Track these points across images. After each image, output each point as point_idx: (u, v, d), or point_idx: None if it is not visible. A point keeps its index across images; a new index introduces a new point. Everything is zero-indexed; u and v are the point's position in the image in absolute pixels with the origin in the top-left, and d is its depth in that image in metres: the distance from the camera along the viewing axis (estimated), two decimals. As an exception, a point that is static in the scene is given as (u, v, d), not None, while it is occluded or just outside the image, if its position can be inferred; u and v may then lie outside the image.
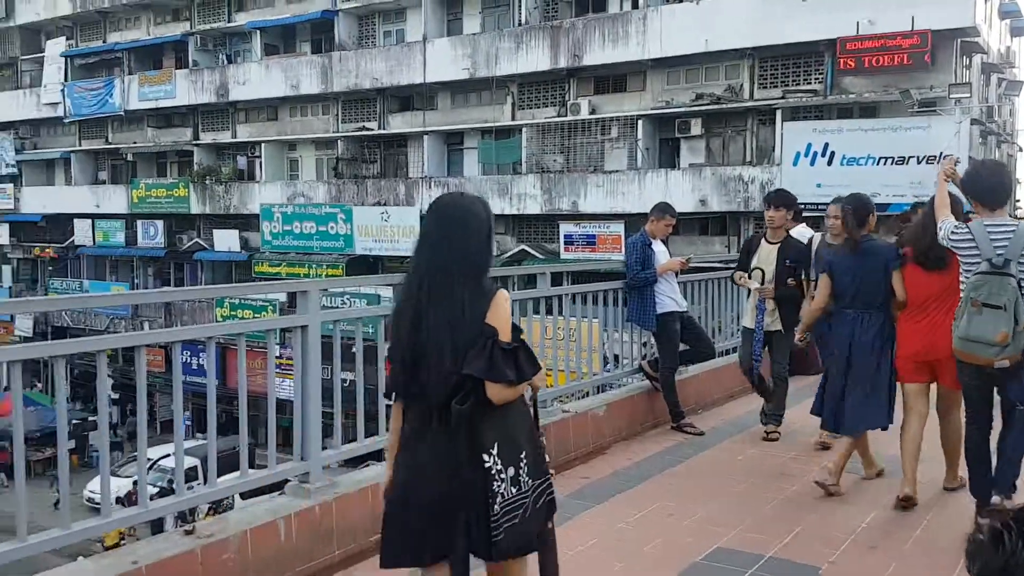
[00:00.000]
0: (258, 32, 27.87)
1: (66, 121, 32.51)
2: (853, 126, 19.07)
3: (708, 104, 20.88)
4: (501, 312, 2.34)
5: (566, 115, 22.87)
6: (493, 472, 2.29)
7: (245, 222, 28.03)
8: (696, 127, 21.10)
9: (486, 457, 2.29)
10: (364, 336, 4.00)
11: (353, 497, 3.64)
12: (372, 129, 26.27)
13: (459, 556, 2.35)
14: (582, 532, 3.90)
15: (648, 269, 5.71)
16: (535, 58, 22.68)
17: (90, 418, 24.32)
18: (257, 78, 27.50)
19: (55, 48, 32.87)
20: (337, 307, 21.64)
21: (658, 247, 5.83)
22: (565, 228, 22.55)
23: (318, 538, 3.48)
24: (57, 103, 32.32)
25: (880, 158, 18.28)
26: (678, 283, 5.98)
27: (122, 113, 30.67)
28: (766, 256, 5.55)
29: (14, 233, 34.27)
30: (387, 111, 26.10)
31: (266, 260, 26.80)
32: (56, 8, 32.73)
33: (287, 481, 3.69)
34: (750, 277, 5.59)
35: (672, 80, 21.83)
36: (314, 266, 25.52)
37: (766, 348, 5.63)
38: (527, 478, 2.37)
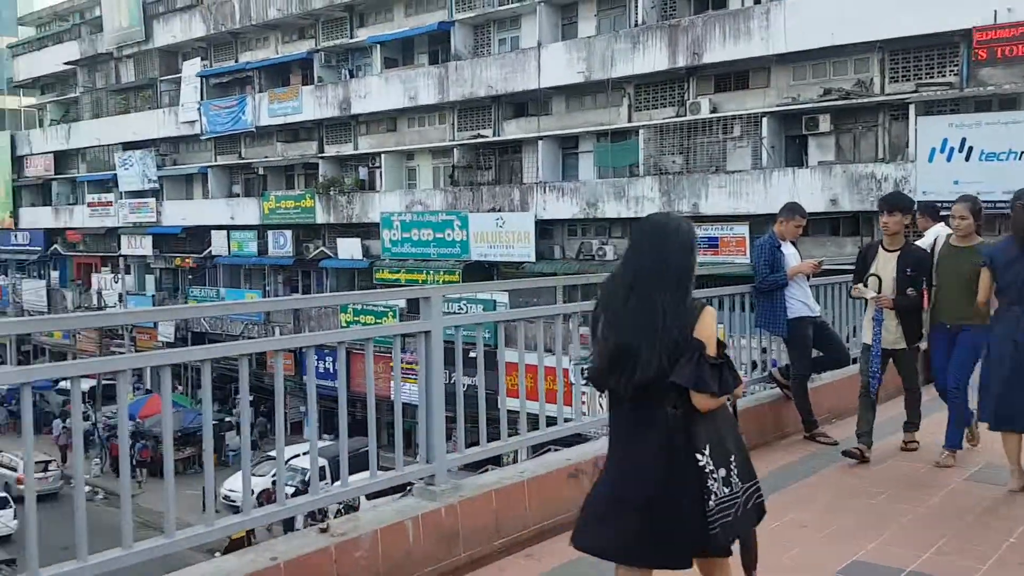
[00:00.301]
0: (378, 46, 28.66)
1: (203, 138, 34.30)
2: (992, 119, 17.95)
3: (836, 99, 20.09)
4: (707, 327, 2.52)
5: (685, 115, 22.47)
6: (707, 471, 2.45)
7: (366, 230, 28.86)
8: (824, 123, 20.27)
9: (699, 456, 2.46)
10: (484, 341, 4.03)
11: (478, 500, 3.67)
12: (487, 136, 26.57)
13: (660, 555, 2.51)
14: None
15: (778, 272, 5.49)
16: (652, 58, 22.40)
17: (226, 419, 25.58)
18: (377, 91, 28.28)
19: (191, 69, 34.73)
20: (456, 312, 21.98)
21: (788, 249, 5.60)
22: (685, 232, 22.09)
23: (444, 540, 3.52)
24: (194, 121, 34.14)
25: (1022, 152, 17.20)
26: (809, 287, 5.74)
27: (253, 129, 32.12)
28: (883, 265, 5.14)
29: (157, 245, 36.35)
30: (502, 118, 26.34)
31: (386, 267, 27.50)
32: (191, 30, 34.61)
33: (409, 483, 3.76)
34: (865, 285, 5.17)
35: (798, 75, 21.13)
36: (431, 272, 25.99)
37: (888, 364, 5.26)
38: (737, 480, 2.53)
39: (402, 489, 3.99)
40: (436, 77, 26.79)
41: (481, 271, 25.51)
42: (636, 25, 23.00)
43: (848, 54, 19.98)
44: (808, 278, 5.69)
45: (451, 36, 26.82)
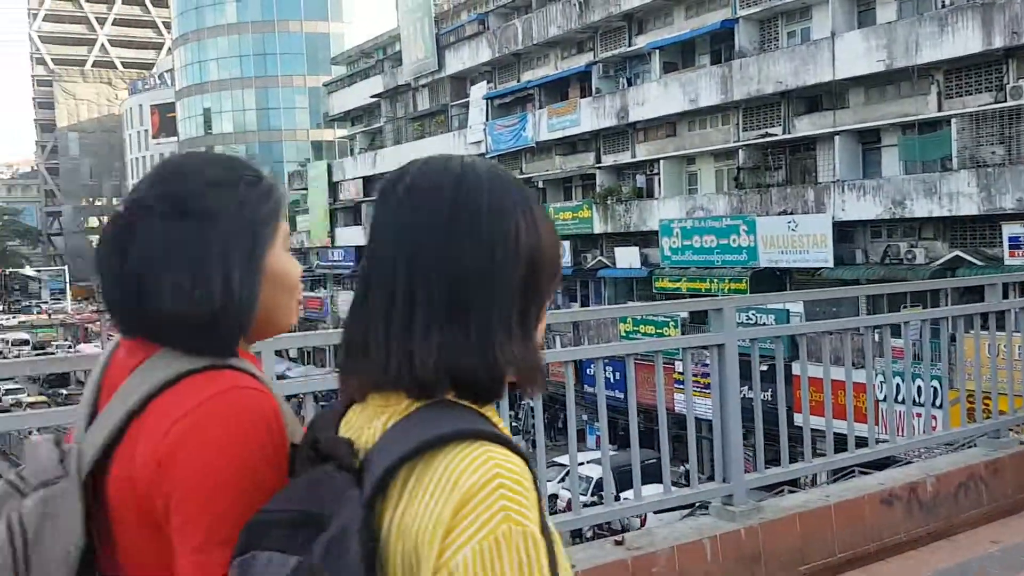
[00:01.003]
0: (657, 52, 28.37)
1: (487, 157, 35.96)
2: None
3: None
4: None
5: (1005, 100, 19.78)
6: None
7: (645, 239, 28.57)
8: None
9: None
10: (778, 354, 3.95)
11: (780, 523, 3.57)
12: (776, 135, 25.21)
13: None
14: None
15: None
16: (964, 40, 19.96)
17: (511, 423, 26.36)
18: (656, 97, 27.95)
19: (478, 92, 36.65)
20: (746, 324, 20.91)
21: None
22: (1010, 229, 19.43)
23: (744, 563, 3.45)
24: (480, 141, 35.95)
25: None
26: None
27: (534, 145, 33.16)
28: None
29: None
30: (792, 114, 24.88)
31: (666, 275, 26.98)
32: (478, 56, 36.53)
33: (698, 502, 3.73)
34: None
35: None
36: (715, 280, 25.10)
37: None
38: None
39: (687, 506, 3.94)
40: (719, 77, 25.92)
41: (771, 278, 24.19)
42: (943, 6, 20.69)
43: None
44: None
45: (735, 34, 25.89)
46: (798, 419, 3.89)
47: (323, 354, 42.34)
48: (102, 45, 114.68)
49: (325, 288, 48.06)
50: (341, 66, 52.91)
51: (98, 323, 47.19)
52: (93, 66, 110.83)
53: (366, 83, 46.11)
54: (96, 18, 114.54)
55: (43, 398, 40.55)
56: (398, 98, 43.93)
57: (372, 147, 46.52)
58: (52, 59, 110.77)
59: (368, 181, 45.77)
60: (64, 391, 41.36)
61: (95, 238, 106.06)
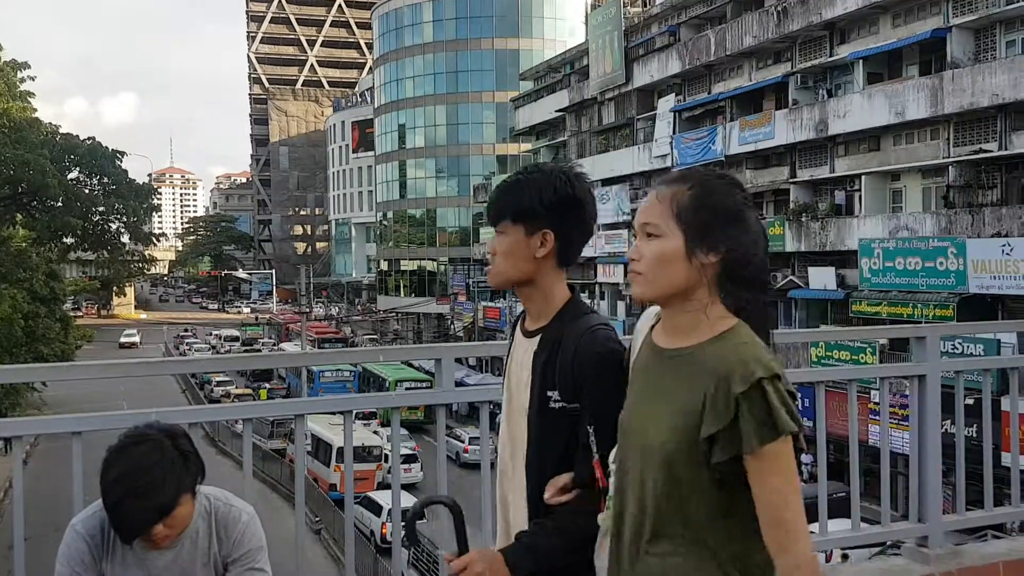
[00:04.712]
0: (860, 62, 26.88)
1: (673, 171, 35.35)
2: None
3: None
4: None
5: None
6: None
7: (841, 259, 27.04)
8: None
9: None
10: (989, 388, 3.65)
11: (980, 571, 3.33)
12: (991, 151, 23.19)
13: None
14: None
15: None
16: None
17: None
18: (858, 109, 26.45)
19: (665, 105, 36.17)
20: (951, 353, 19.32)
21: None
22: None
23: None
24: (666, 155, 35.43)
25: None
26: None
27: (723, 158, 32.26)
28: None
29: (627, 273, 38.28)
30: (1009, 129, 22.82)
31: (865, 299, 25.39)
32: (667, 68, 36.05)
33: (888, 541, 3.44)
34: None
35: None
36: (919, 306, 23.37)
37: None
38: None
39: (876, 544, 3.57)
40: (928, 89, 24.18)
41: (981, 306, 22.24)
42: None
43: None
44: None
45: (947, 43, 24.11)
46: (1006, 459, 3.63)
47: (500, 363, 42.92)
48: (311, 66, 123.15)
49: (504, 299, 48.88)
50: (529, 81, 53.87)
51: (299, 323, 50.38)
52: (303, 85, 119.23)
53: (552, 97, 46.67)
54: (307, 40, 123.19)
55: (248, 391, 43.73)
56: (583, 112, 44.14)
57: (555, 161, 46.91)
58: (267, 79, 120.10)
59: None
60: (267, 385, 44.42)
61: (299, 245, 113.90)
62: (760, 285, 1.77)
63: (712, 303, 1.75)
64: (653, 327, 1.89)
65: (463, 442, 29.20)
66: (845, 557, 9.76)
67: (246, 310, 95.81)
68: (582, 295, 2.56)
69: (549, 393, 2.09)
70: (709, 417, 1.66)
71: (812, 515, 3.32)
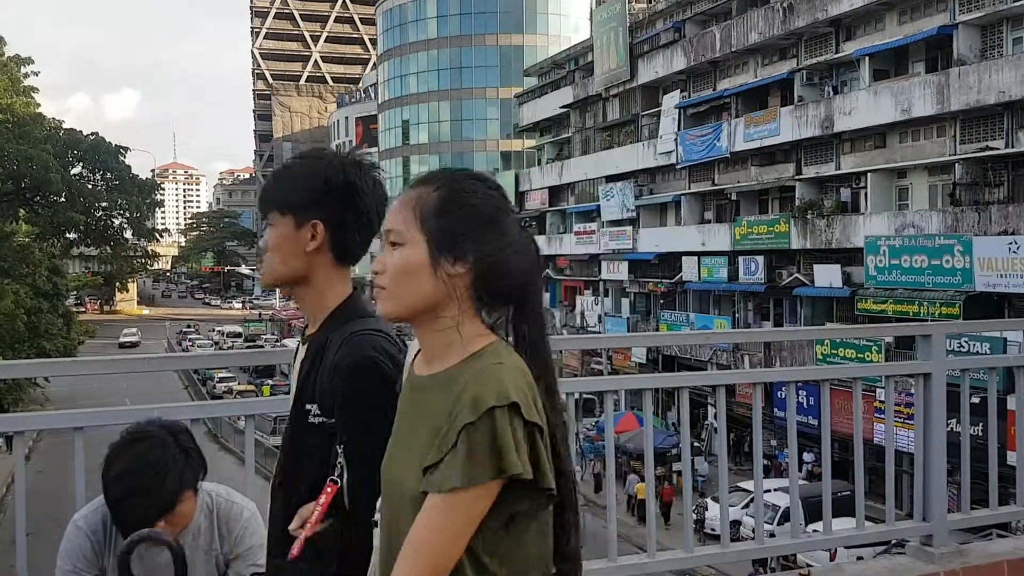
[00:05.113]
0: (866, 59, 26.79)
1: (678, 167, 35.36)
2: None
3: None
4: None
5: None
6: None
7: (847, 256, 26.97)
8: None
9: None
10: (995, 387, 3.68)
11: (984, 570, 3.36)
12: (997, 148, 23.10)
13: None
14: None
15: None
16: None
17: (694, 443, 25.78)
18: (864, 106, 26.36)
19: (670, 101, 36.08)
20: (957, 352, 19.28)
21: None
22: None
23: None
24: (670, 151, 35.36)
25: None
26: None
27: (728, 155, 32.19)
28: None
29: (632, 270, 38.36)
30: (1017, 127, 22.74)
31: (870, 296, 25.33)
32: (672, 65, 35.96)
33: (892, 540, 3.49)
34: None
35: None
36: (925, 304, 23.31)
37: None
38: None
39: (881, 543, 3.66)
40: (934, 86, 24.09)
41: (987, 304, 22.19)
42: None
43: None
44: None
45: (953, 40, 24.01)
46: (1011, 458, 3.66)
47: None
48: (315, 61, 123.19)
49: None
50: (533, 77, 53.82)
51: (301, 320, 50.50)
52: (306, 81, 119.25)
53: (556, 94, 46.62)
54: (311, 36, 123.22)
55: (251, 387, 43.77)
56: (588, 108, 44.08)
57: (559, 157, 46.95)
58: (271, 74, 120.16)
59: (555, 191, 46.27)
60: (270, 381, 44.48)
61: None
62: (522, 298, 1.52)
63: (466, 320, 1.50)
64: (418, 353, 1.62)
65: None
66: (860, 558, 9.75)
67: (237, 306, 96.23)
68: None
69: (308, 406, 1.86)
70: (433, 450, 1.41)
71: (816, 514, 3.36)
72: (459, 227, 1.50)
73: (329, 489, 1.73)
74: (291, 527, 1.76)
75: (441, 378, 1.48)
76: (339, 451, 1.74)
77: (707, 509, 20.82)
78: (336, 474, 1.74)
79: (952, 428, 3.39)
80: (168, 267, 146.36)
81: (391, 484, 1.53)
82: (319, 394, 1.82)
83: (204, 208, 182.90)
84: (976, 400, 3.51)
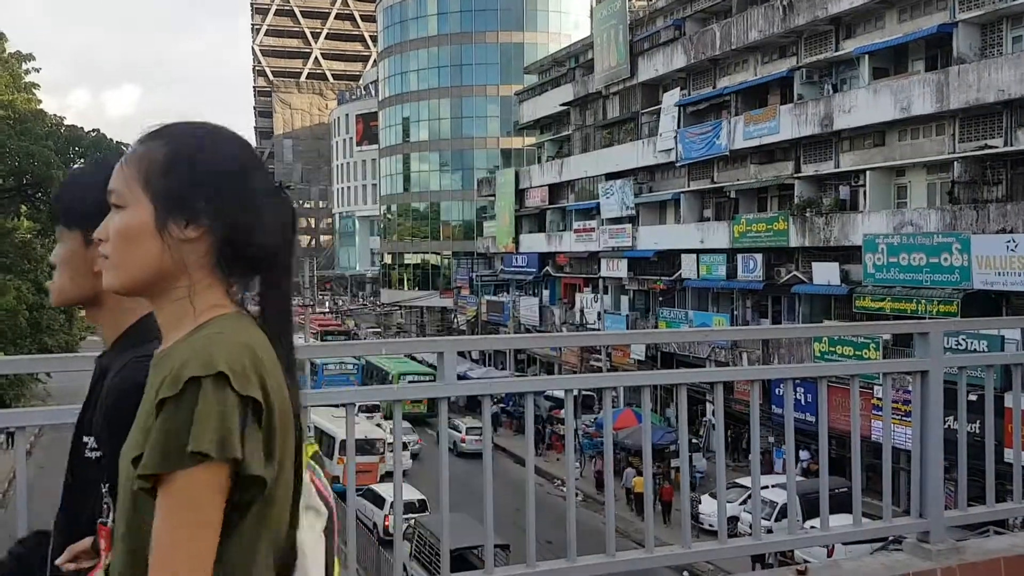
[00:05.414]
0: (866, 57, 26.80)
1: (677, 165, 35.36)
2: None
3: None
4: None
5: None
6: None
7: (846, 254, 27.01)
8: None
9: None
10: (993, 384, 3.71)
11: (981, 567, 3.36)
12: (996, 147, 23.13)
13: None
14: None
15: None
16: None
17: (692, 440, 25.85)
18: (864, 104, 26.38)
19: (670, 99, 36.07)
20: (954, 349, 19.33)
21: None
22: None
23: None
24: (670, 149, 35.36)
25: None
26: None
27: (727, 153, 32.20)
28: None
29: (631, 267, 38.38)
30: (1016, 125, 22.76)
31: (868, 294, 25.36)
32: (672, 63, 35.96)
33: (889, 536, 3.50)
34: None
35: None
36: (923, 301, 23.35)
37: None
38: None
39: (878, 540, 3.71)
40: (934, 84, 24.12)
41: (985, 302, 22.23)
42: None
43: None
44: None
45: (953, 38, 24.03)
46: (1008, 455, 3.63)
47: (503, 356, 43.58)
48: (316, 58, 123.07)
49: (507, 293, 49.03)
50: (533, 75, 53.82)
51: (302, 317, 50.49)
52: (307, 78, 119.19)
53: (557, 91, 46.63)
54: (311, 33, 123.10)
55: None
56: (588, 106, 44.08)
57: (559, 155, 46.95)
58: (271, 71, 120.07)
59: (555, 188, 46.29)
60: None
61: (304, 238, 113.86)
62: (273, 264, 1.32)
63: (201, 291, 1.30)
64: None
65: (460, 432, 30.12)
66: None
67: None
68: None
69: (85, 439, 1.66)
70: (138, 433, 1.22)
71: (814, 510, 3.38)
72: (191, 185, 1.29)
73: (103, 533, 1.52)
74: (59, 561, 1.60)
75: (160, 356, 1.28)
76: (104, 491, 1.52)
77: (700, 503, 20.90)
78: (104, 515, 1.53)
79: (949, 425, 3.41)
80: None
81: (120, 489, 1.29)
82: (96, 426, 1.59)
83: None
84: (973, 397, 3.56)
